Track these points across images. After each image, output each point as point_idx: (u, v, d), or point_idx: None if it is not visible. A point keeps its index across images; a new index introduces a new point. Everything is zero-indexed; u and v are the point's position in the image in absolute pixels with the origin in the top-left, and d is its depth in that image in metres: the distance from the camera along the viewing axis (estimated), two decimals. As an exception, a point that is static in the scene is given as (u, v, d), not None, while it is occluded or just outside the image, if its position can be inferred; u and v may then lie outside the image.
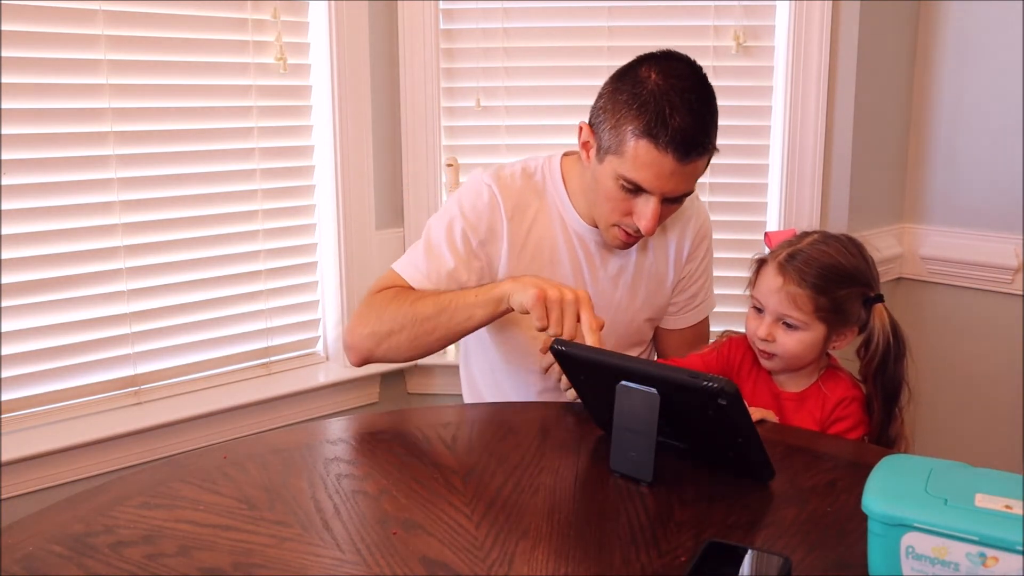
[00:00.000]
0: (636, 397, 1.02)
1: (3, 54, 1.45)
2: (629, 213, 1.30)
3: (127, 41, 1.57)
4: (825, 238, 1.30)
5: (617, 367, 1.05)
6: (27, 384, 1.56)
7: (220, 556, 0.88)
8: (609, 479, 1.05)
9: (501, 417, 1.25)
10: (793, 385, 1.34)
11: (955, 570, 0.74)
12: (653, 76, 1.23)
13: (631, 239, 1.35)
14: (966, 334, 2.09)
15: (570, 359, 1.11)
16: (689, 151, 1.22)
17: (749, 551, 0.83)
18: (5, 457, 1.47)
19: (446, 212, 1.40)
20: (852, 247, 1.30)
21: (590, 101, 1.34)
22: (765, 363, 1.33)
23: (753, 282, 1.33)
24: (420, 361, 1.87)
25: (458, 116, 1.93)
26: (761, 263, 1.32)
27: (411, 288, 1.36)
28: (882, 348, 1.27)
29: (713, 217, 1.95)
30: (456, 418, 1.25)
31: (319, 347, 1.93)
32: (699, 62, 1.85)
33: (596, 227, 1.39)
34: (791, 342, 1.28)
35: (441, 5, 1.87)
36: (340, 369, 1.87)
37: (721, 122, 1.99)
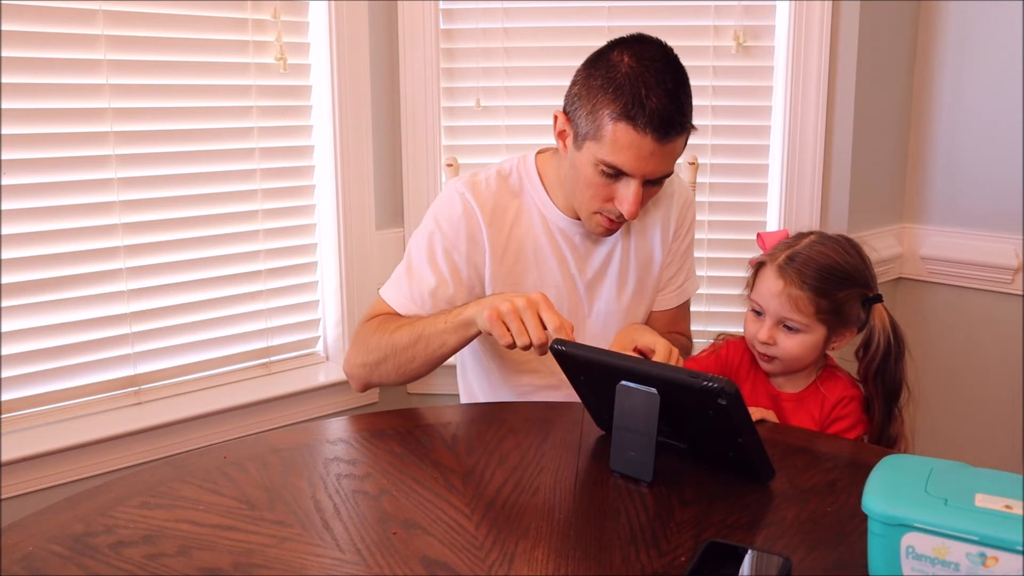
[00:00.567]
0: (636, 397, 1.02)
1: (3, 54, 1.45)
2: (610, 199, 1.29)
3: (127, 41, 1.57)
4: (822, 239, 1.30)
5: (617, 367, 1.05)
6: (27, 384, 1.56)
7: (220, 556, 0.88)
8: (609, 479, 1.05)
9: (501, 417, 1.25)
10: (791, 386, 1.34)
11: (955, 570, 0.74)
12: (626, 59, 1.23)
13: (614, 225, 1.34)
14: (966, 334, 2.09)
15: (570, 359, 1.11)
16: (668, 131, 1.22)
17: (749, 551, 0.83)
18: (5, 457, 1.47)
19: (424, 228, 1.40)
20: (850, 247, 1.30)
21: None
22: (765, 366, 1.33)
23: (751, 285, 1.33)
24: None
25: (458, 116, 1.93)
26: (759, 266, 1.32)
27: (396, 315, 1.37)
28: (882, 348, 1.28)
29: (713, 217, 1.96)
30: (456, 418, 1.25)
31: (319, 347, 1.93)
32: (699, 62, 1.85)
33: (578, 220, 1.39)
34: (792, 345, 1.28)
35: (441, 5, 1.87)
36: (340, 369, 1.86)
37: (721, 122, 1.99)
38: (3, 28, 1.44)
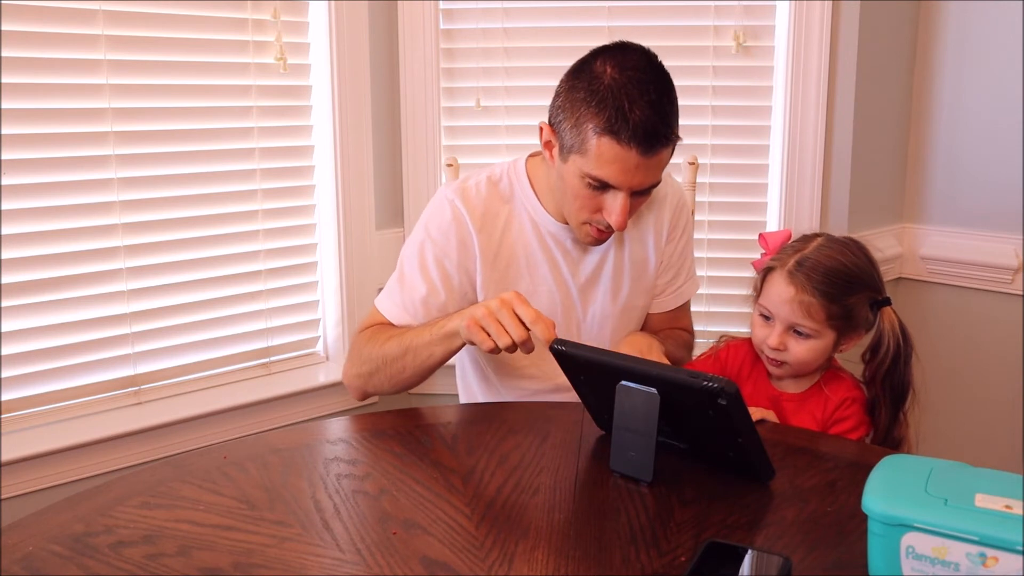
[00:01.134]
0: (636, 397, 1.02)
1: (3, 54, 1.45)
2: (598, 210, 1.28)
3: (127, 41, 1.57)
4: (830, 241, 1.29)
5: (617, 367, 1.05)
6: (27, 384, 1.56)
7: (220, 556, 0.88)
8: (609, 479, 1.05)
9: (501, 417, 1.25)
10: (794, 387, 1.34)
11: (955, 570, 0.74)
12: (609, 70, 1.21)
13: (603, 235, 1.34)
14: (966, 334, 2.09)
15: (570, 359, 1.11)
16: (652, 144, 1.20)
17: (749, 551, 0.83)
18: (5, 457, 1.47)
19: (415, 237, 1.40)
20: (858, 250, 1.29)
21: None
22: (774, 370, 1.32)
23: (759, 289, 1.32)
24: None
25: (458, 116, 1.93)
26: (768, 271, 1.31)
27: (388, 326, 1.37)
28: (892, 352, 1.27)
29: (713, 217, 1.96)
30: (456, 418, 1.25)
31: (319, 347, 1.93)
32: (699, 62, 1.85)
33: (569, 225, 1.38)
34: (802, 350, 1.27)
35: (441, 5, 1.87)
36: (340, 369, 1.86)
37: (721, 122, 1.99)
38: (3, 28, 1.44)
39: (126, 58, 1.58)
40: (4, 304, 1.51)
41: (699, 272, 1.84)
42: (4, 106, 1.46)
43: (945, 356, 2.11)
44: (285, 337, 1.87)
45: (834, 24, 1.87)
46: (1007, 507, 0.74)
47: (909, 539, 0.76)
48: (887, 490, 0.80)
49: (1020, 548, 0.72)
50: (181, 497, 1.01)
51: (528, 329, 1.15)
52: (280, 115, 1.78)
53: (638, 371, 1.02)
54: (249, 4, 1.70)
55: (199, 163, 1.69)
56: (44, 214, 1.53)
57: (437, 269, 1.36)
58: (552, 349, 1.11)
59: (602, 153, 1.21)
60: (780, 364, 1.29)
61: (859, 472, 1.05)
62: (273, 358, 1.86)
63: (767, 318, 1.29)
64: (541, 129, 1.32)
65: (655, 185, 1.28)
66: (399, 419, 1.24)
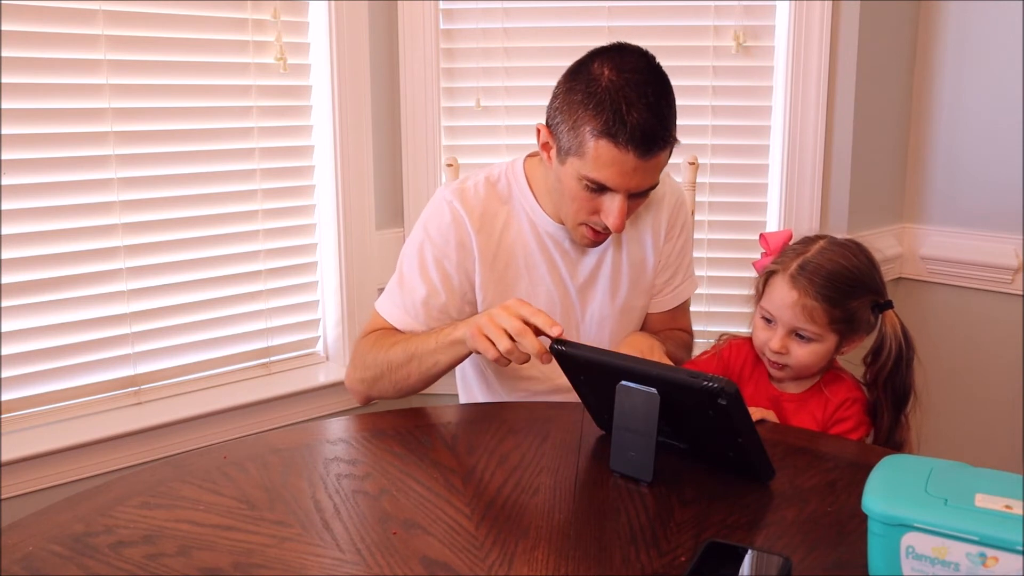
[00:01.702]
0: (636, 397, 1.02)
1: (3, 54, 1.45)
2: (596, 212, 1.28)
3: (127, 41, 1.57)
4: (832, 244, 1.29)
5: (617, 367, 1.05)
6: (27, 384, 1.56)
7: (220, 556, 0.88)
8: (609, 479, 1.05)
9: (501, 417, 1.25)
10: (795, 387, 1.34)
11: (955, 570, 0.74)
12: (606, 72, 1.20)
13: (600, 237, 1.33)
14: (966, 334, 2.09)
15: (570, 359, 1.11)
16: (650, 146, 1.20)
17: (749, 551, 0.83)
18: (5, 457, 1.47)
19: (414, 238, 1.40)
20: (860, 253, 1.28)
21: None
22: (776, 373, 1.32)
23: (761, 291, 1.32)
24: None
25: (458, 116, 1.93)
26: (770, 274, 1.30)
27: (392, 330, 1.37)
28: (894, 355, 1.27)
29: (713, 217, 1.96)
30: (456, 418, 1.25)
31: (319, 347, 1.93)
32: (699, 62, 1.85)
33: None
34: (804, 353, 1.27)
35: (441, 5, 1.87)
36: (340, 369, 1.87)
37: (721, 122, 1.99)
38: (3, 28, 1.44)
39: (126, 58, 1.58)
40: (4, 304, 1.51)
41: (699, 272, 1.84)
42: (4, 106, 1.46)
43: (945, 356, 2.11)
44: (285, 337, 1.87)
45: (834, 24, 1.87)
46: (1007, 507, 0.74)
47: (909, 539, 0.76)
48: (887, 490, 0.80)
49: (1020, 548, 0.72)
50: (181, 497, 1.01)
51: (524, 323, 1.12)
52: (280, 115, 1.78)
53: (638, 371, 1.02)
54: (249, 4, 1.70)
55: (199, 163, 1.69)
56: (44, 214, 1.53)
57: (437, 270, 1.36)
58: (552, 349, 1.11)
59: (599, 156, 1.21)
60: (782, 367, 1.29)
61: (859, 472, 1.05)
62: (273, 358, 1.86)
63: (769, 321, 1.29)
64: (539, 131, 1.31)
65: (653, 187, 1.28)
66: (399, 419, 1.24)
